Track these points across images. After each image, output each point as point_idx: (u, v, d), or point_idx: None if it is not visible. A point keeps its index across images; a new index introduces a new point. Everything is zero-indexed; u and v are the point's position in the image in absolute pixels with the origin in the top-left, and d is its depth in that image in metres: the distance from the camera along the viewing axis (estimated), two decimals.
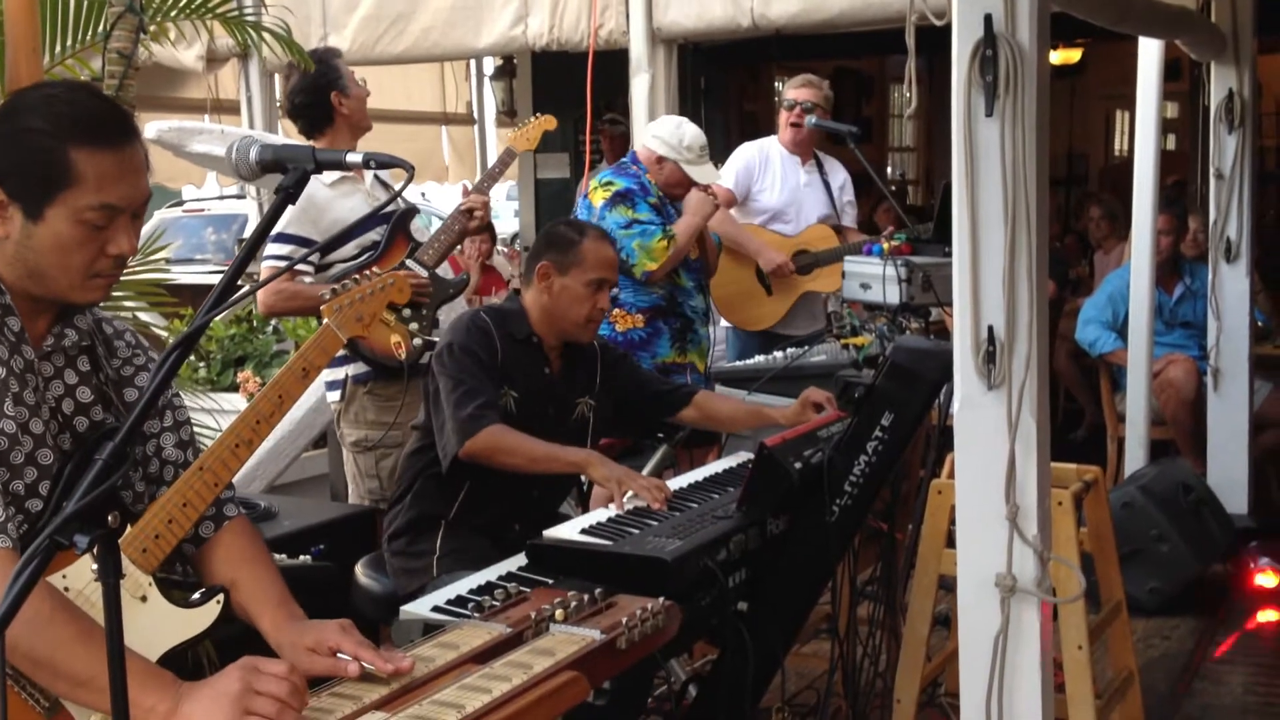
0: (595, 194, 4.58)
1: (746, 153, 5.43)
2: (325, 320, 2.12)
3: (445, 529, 3.18)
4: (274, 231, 3.87)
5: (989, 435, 2.37)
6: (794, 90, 5.34)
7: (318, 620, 1.97)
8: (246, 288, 3.38)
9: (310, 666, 1.88)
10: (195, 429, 2.19)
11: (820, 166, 5.41)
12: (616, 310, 4.51)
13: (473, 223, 4.12)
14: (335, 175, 3.97)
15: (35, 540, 1.30)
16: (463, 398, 3.08)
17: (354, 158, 1.66)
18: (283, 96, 4.22)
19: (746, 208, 5.37)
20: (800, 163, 5.35)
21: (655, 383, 3.61)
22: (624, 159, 4.79)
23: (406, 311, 3.86)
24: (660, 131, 4.60)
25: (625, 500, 2.89)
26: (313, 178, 1.71)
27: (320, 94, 4.02)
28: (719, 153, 8.37)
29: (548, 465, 3.17)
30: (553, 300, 3.23)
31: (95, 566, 1.34)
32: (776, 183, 5.34)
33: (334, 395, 4.14)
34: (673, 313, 4.59)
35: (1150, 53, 5.03)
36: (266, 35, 3.59)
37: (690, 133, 4.60)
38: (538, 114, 4.55)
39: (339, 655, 1.86)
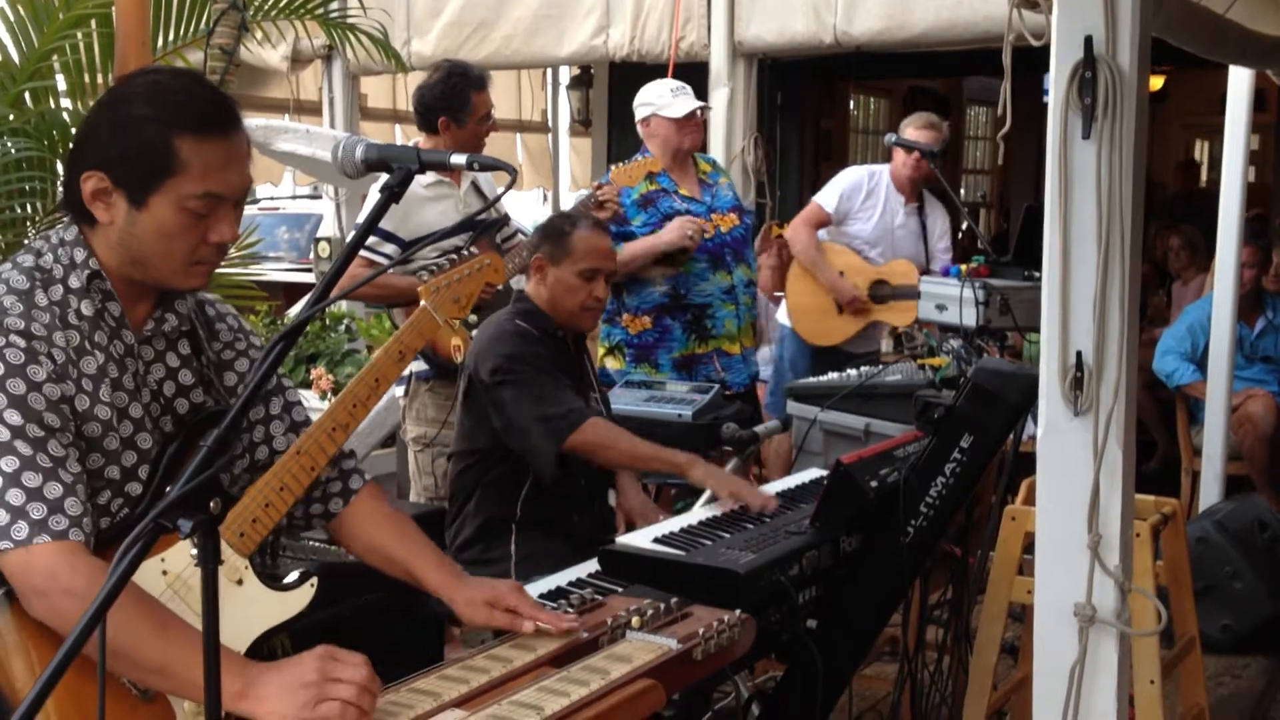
0: None
1: (855, 175, 5.42)
2: (423, 302, 2.13)
3: (516, 532, 3.22)
4: (361, 220, 3.94)
5: (1073, 462, 2.33)
6: (916, 131, 5.19)
7: (488, 579, 2.10)
8: (343, 285, 3.44)
9: (489, 620, 2.00)
10: None
11: (921, 209, 5.39)
12: (626, 315, 4.52)
13: (604, 213, 4.17)
14: (432, 178, 4.04)
15: (139, 524, 1.32)
16: (545, 398, 3.12)
17: (458, 159, 1.67)
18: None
19: (840, 229, 5.37)
20: (904, 202, 5.33)
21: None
22: None
23: (472, 317, 3.89)
24: (636, 101, 4.64)
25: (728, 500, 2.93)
26: None
27: (432, 111, 4.09)
28: (792, 170, 8.33)
29: (649, 463, 3.24)
30: (549, 292, 3.30)
31: (195, 551, 1.36)
32: (875, 214, 5.33)
33: (400, 390, 4.20)
34: (678, 306, 4.51)
35: (1240, 82, 4.95)
36: (362, 36, 3.64)
37: (660, 83, 4.65)
38: (642, 155, 4.57)
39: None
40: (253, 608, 1.87)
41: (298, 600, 1.93)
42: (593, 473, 3.35)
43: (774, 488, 3.20)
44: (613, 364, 4.56)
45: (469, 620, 2.04)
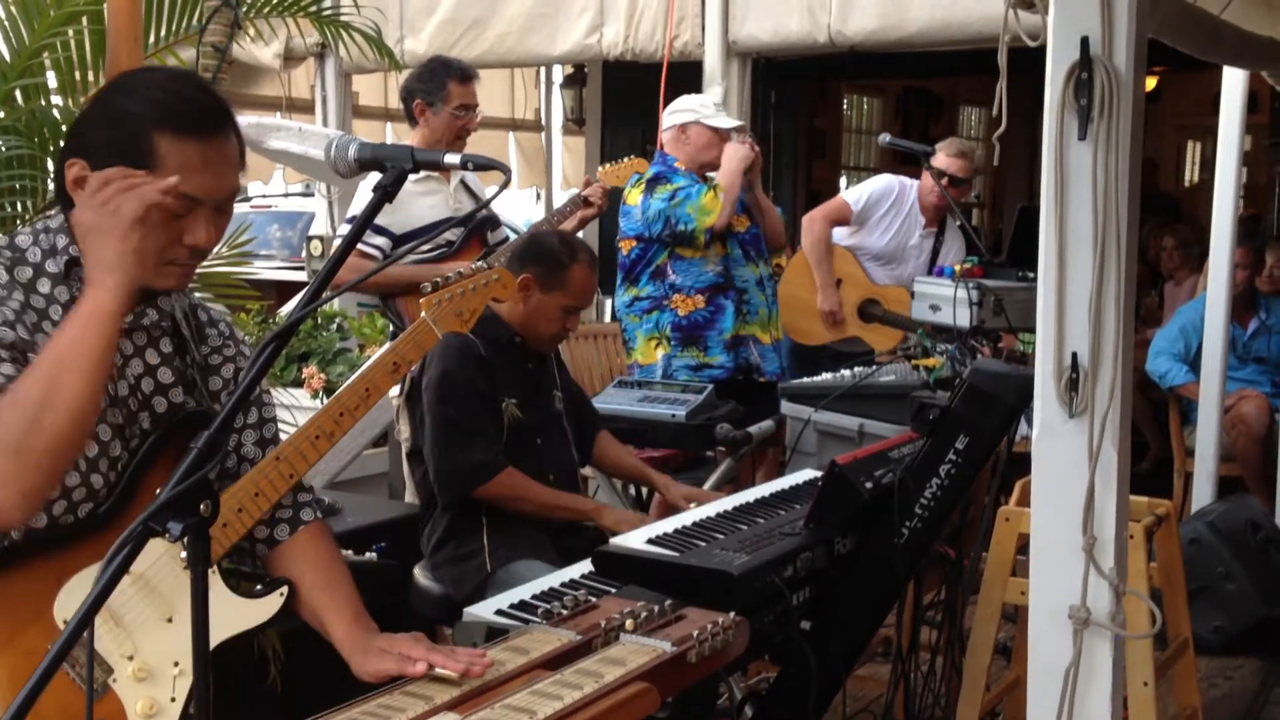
0: (631, 195, 4.61)
1: (887, 182, 5.41)
2: (423, 314, 2.11)
3: (486, 524, 3.21)
4: (350, 215, 4.03)
5: (1068, 464, 2.33)
6: (947, 159, 5.21)
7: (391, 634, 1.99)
8: (349, 278, 3.46)
9: (379, 664, 1.90)
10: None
11: (940, 236, 5.37)
12: (677, 295, 4.53)
13: (590, 209, 4.24)
14: (421, 172, 4.05)
15: (129, 528, 1.31)
16: (464, 439, 3.13)
17: (451, 158, 1.66)
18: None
19: (856, 231, 5.35)
20: (923, 225, 5.33)
21: (586, 402, 3.65)
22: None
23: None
24: (674, 108, 4.71)
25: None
26: None
27: (410, 95, 4.13)
28: (786, 168, 8.32)
29: (556, 513, 3.27)
30: (526, 313, 3.27)
31: (184, 554, 1.35)
32: (893, 227, 5.32)
33: (394, 390, 4.19)
34: (731, 286, 4.61)
35: (1235, 84, 4.95)
36: (356, 34, 3.63)
37: (701, 96, 4.77)
38: (631, 156, 4.63)
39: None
40: (216, 612, 1.83)
41: (264, 609, 1.90)
42: (562, 468, 3.34)
43: (769, 488, 3.19)
44: (661, 351, 4.56)
45: (360, 670, 1.92)
